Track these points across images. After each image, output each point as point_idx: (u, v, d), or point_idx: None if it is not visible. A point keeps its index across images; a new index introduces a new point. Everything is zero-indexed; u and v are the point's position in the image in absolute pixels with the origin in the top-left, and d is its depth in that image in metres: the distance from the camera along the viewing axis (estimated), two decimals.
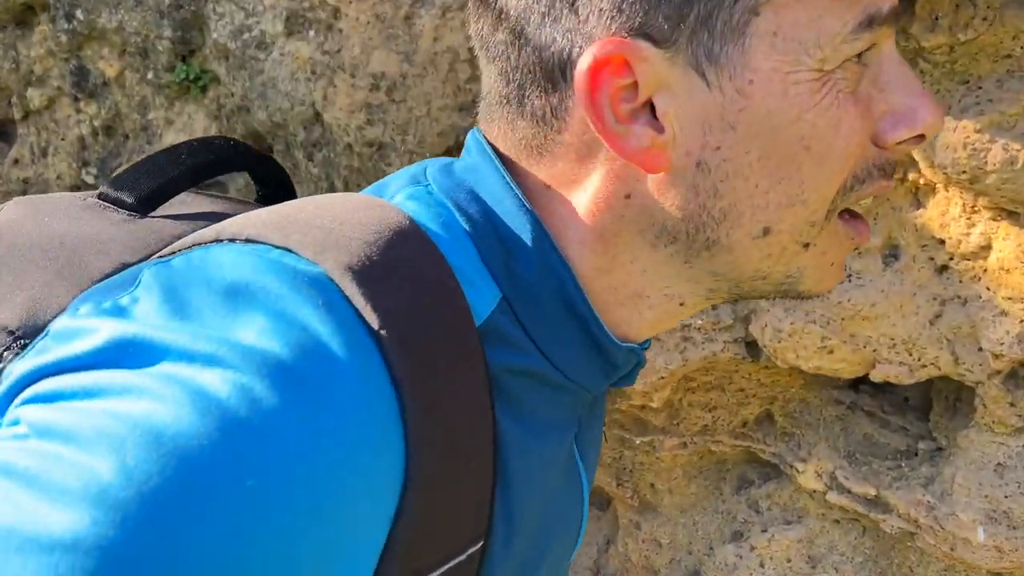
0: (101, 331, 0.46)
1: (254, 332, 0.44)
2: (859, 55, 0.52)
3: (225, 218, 0.60)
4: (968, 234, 0.99)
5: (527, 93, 0.55)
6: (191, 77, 1.35)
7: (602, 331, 0.57)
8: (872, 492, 1.16)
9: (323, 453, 0.42)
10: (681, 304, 0.59)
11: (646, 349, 0.62)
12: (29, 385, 0.47)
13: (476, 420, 0.50)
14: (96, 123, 1.49)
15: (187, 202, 0.70)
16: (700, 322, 1.17)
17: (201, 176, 0.69)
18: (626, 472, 1.40)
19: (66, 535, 0.39)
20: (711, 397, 1.28)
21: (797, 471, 1.23)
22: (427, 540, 0.49)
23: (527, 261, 0.55)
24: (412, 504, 0.46)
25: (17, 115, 1.55)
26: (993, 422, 1.05)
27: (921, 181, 1.01)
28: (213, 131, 1.37)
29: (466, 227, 0.55)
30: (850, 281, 1.07)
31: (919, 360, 1.05)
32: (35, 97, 1.51)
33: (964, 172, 0.94)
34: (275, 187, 0.76)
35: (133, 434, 0.41)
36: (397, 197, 0.57)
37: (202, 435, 0.41)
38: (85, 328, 0.47)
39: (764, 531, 1.29)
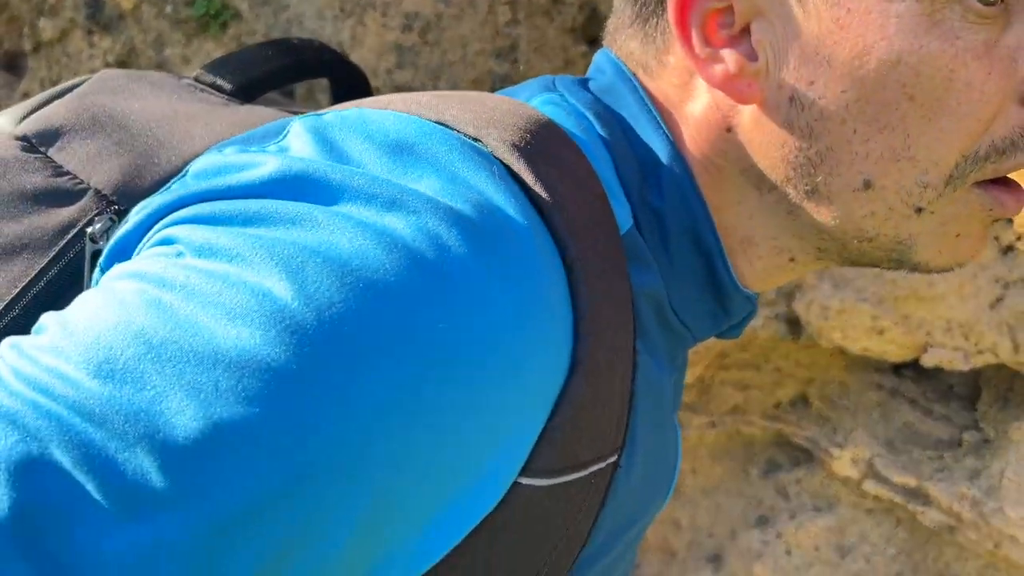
0: (267, 164, 0.42)
1: (430, 188, 0.41)
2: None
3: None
4: None
5: (646, 12, 0.53)
6: (211, 12, 1.29)
7: (728, 272, 0.54)
8: (912, 483, 1.10)
9: (512, 307, 0.40)
10: (791, 259, 0.55)
11: (756, 303, 0.60)
12: (172, 213, 0.43)
13: (625, 327, 0.48)
14: (110, 58, 1.43)
15: (277, 101, 0.68)
16: None
17: (291, 76, 0.69)
18: None
19: (231, 351, 0.35)
20: (745, 375, 1.22)
21: (832, 457, 1.17)
22: (582, 432, 0.45)
23: (660, 188, 0.52)
24: (575, 388, 0.43)
25: (28, 46, 1.49)
26: None
27: None
28: None
29: (607, 139, 0.52)
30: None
31: (976, 346, 0.99)
32: (47, 28, 1.45)
33: None
34: (358, 96, 0.70)
35: (313, 259, 0.37)
36: (533, 101, 0.54)
37: (390, 271, 0.37)
38: (244, 162, 0.43)
39: (792, 517, 1.24)
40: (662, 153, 0.53)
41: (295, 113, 0.60)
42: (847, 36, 0.47)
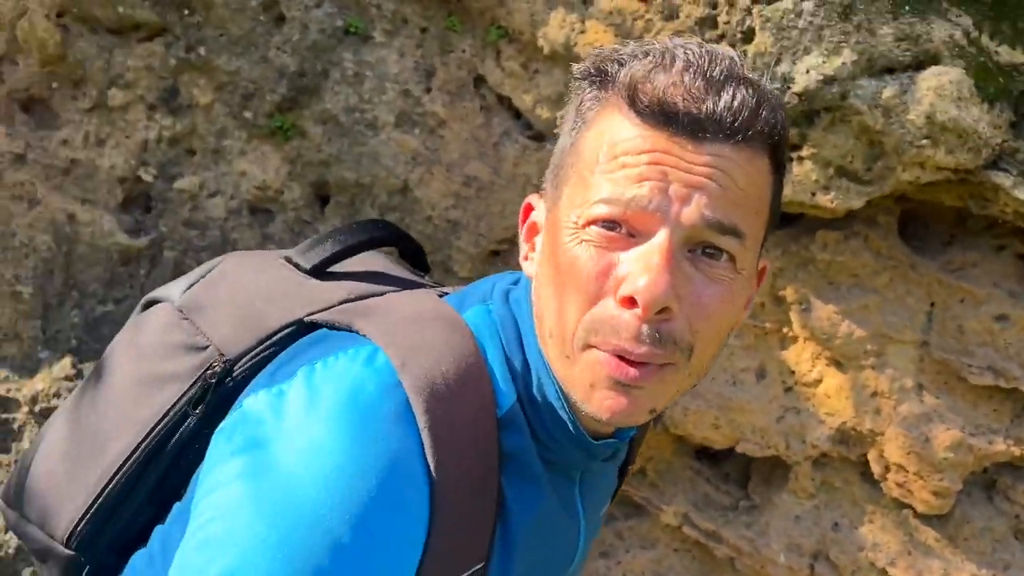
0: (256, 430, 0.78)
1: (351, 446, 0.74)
2: (612, 225, 0.74)
3: (377, 275, 1.01)
4: (810, 371, 1.64)
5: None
6: (284, 127, 1.67)
7: (580, 434, 0.84)
8: (712, 528, 1.74)
9: (378, 511, 0.72)
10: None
11: (630, 436, 0.92)
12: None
13: (485, 485, 0.79)
14: (166, 133, 1.72)
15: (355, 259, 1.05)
16: None
17: (359, 251, 1.04)
18: None
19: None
20: None
21: (661, 511, 1.78)
22: (446, 559, 0.76)
23: (533, 380, 0.84)
24: (437, 533, 0.74)
25: (83, 104, 1.71)
26: (798, 489, 1.69)
27: (788, 334, 1.66)
28: (284, 172, 1.69)
29: (505, 345, 0.85)
30: (734, 386, 1.67)
31: (767, 443, 1.67)
32: (117, 95, 1.69)
33: (824, 337, 1.59)
34: (411, 256, 1.17)
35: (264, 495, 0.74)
36: (468, 312, 0.87)
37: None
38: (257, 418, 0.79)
39: (627, 552, 1.82)
40: (539, 365, 0.83)
41: (360, 276, 1.00)
42: (547, 239, 0.82)
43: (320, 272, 1.00)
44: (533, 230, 0.87)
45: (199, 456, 0.89)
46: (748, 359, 1.67)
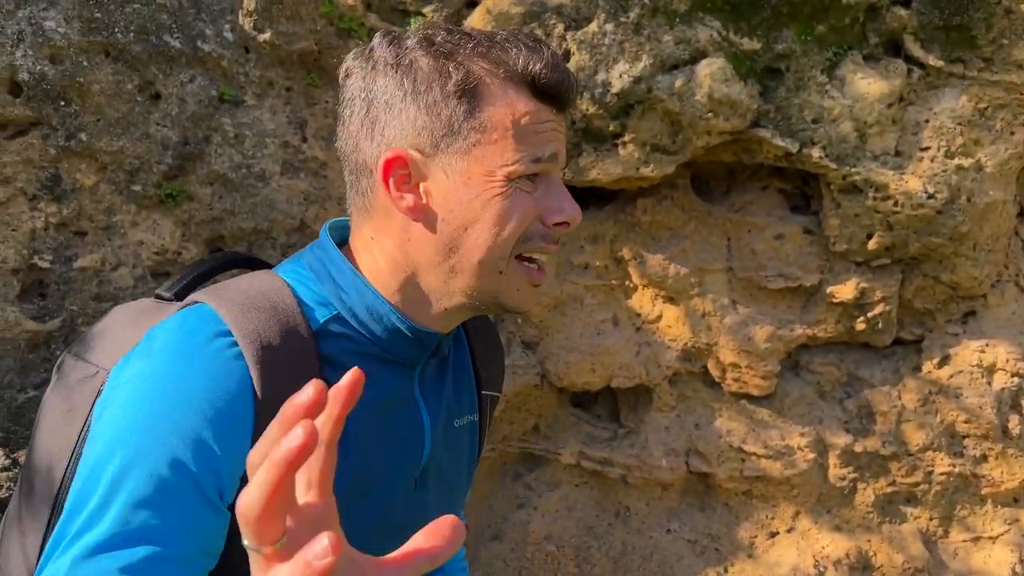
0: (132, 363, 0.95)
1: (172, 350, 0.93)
2: (532, 176, 0.96)
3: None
4: (652, 310, 2.07)
5: (359, 180, 1.00)
6: (172, 194, 1.83)
7: (405, 324, 1.00)
8: (604, 455, 2.11)
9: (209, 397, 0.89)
10: (446, 310, 1.01)
11: (448, 334, 1.06)
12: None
13: (303, 379, 0.82)
14: (52, 220, 1.81)
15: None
16: (521, 362, 2.04)
17: (212, 275, 1.22)
18: None
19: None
20: (511, 415, 2.12)
21: (559, 455, 2.13)
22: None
23: (347, 292, 1.01)
24: (262, 424, 0.88)
25: None
26: (662, 406, 2.10)
27: (630, 285, 2.07)
28: (178, 235, 1.85)
29: (314, 279, 1.02)
30: (599, 336, 2.06)
31: (632, 375, 2.07)
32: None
33: (657, 280, 2.02)
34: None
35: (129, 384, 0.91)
36: (278, 269, 1.05)
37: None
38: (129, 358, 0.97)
39: (540, 496, 2.14)
40: (346, 275, 0.99)
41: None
42: (468, 188, 0.95)
43: (180, 296, 1.17)
44: (404, 180, 0.98)
45: None
46: (604, 312, 2.06)
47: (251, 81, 1.83)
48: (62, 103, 1.75)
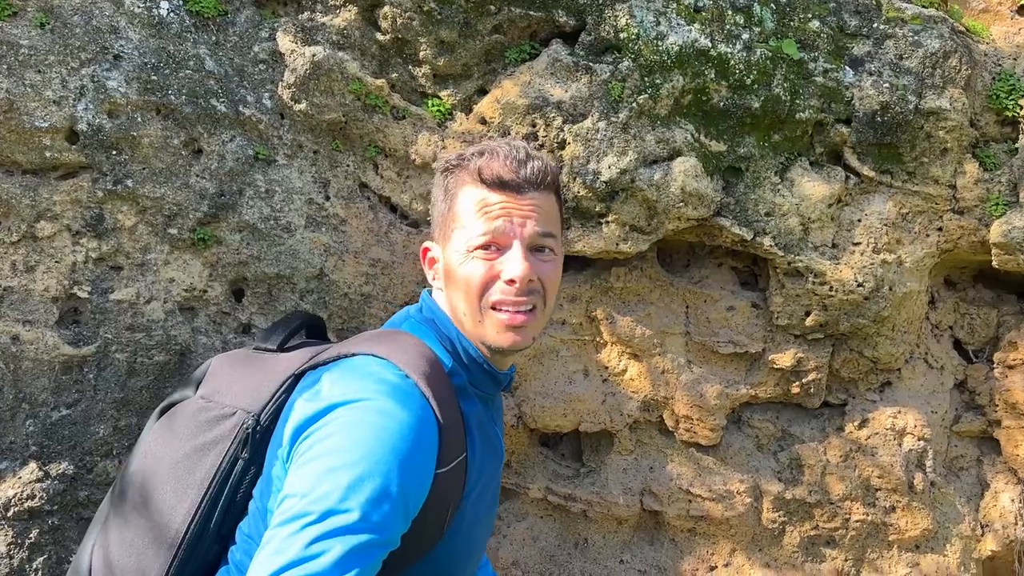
0: (325, 404, 1.30)
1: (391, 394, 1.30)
2: (487, 246, 1.39)
3: (318, 346, 1.64)
4: (619, 364, 2.35)
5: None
6: (204, 238, 2.04)
7: (493, 369, 1.48)
8: (568, 492, 2.37)
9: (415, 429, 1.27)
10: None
11: (511, 375, 1.56)
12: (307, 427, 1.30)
13: (453, 404, 1.36)
14: (92, 254, 2.00)
15: (305, 343, 1.70)
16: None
17: (299, 331, 1.69)
18: None
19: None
20: None
21: (528, 489, 2.38)
22: (447, 450, 1.31)
23: (456, 345, 1.46)
24: (442, 442, 1.31)
25: (12, 238, 1.94)
26: (621, 449, 2.38)
27: (600, 341, 2.35)
28: (206, 275, 2.06)
29: (431, 334, 1.45)
30: (570, 384, 2.33)
31: (598, 421, 2.34)
32: (45, 228, 1.95)
33: (625, 339, 2.30)
34: (317, 333, 1.79)
35: (359, 426, 1.25)
36: (404, 326, 1.51)
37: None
38: (316, 401, 1.33)
39: (508, 526, 2.38)
40: (454, 335, 1.43)
41: (305, 346, 1.61)
42: (450, 261, 1.42)
43: (283, 348, 1.58)
44: (433, 262, 1.51)
45: (249, 492, 1.36)
46: (576, 364, 2.33)
47: (284, 143, 2.06)
48: (114, 152, 1.95)
